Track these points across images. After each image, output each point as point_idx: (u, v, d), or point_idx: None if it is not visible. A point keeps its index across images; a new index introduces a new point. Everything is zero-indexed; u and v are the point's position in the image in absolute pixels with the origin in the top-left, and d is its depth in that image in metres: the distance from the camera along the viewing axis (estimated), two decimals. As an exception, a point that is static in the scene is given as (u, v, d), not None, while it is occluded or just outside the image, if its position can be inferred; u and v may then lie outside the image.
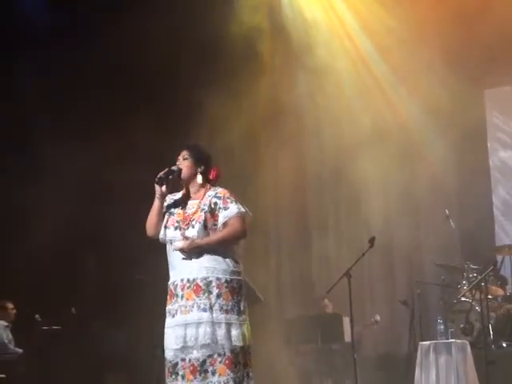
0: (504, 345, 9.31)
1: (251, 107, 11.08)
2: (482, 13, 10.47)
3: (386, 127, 11.13)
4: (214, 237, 5.30)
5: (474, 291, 9.34)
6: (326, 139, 11.50)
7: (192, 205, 5.42)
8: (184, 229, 5.33)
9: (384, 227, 11.41)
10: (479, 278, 9.16)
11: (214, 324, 5.19)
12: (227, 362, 5.18)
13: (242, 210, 5.42)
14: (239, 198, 5.54)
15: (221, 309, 5.23)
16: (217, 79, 10.97)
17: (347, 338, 9.28)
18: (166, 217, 5.44)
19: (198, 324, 5.20)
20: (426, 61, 10.94)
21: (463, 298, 9.57)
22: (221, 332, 5.19)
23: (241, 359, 5.24)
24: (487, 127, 11.76)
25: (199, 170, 5.46)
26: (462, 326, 9.41)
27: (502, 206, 11.57)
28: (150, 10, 10.85)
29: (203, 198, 5.41)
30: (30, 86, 10.56)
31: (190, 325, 5.23)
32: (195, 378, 5.18)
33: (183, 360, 5.23)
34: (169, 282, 5.41)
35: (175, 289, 5.33)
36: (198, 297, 5.24)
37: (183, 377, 5.22)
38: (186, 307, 5.27)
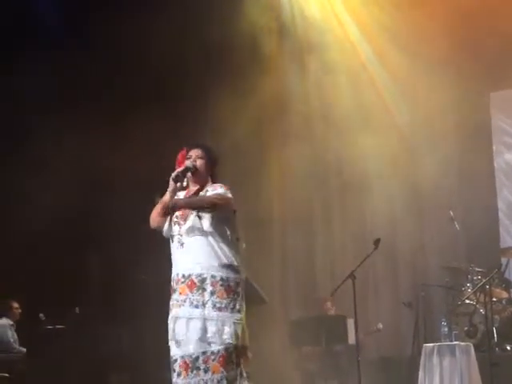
0: (508, 347, 9.31)
1: (256, 106, 11.10)
2: (487, 15, 10.47)
3: (391, 129, 11.13)
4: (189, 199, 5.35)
5: (478, 294, 9.32)
6: (330, 140, 11.48)
7: None
8: (181, 224, 5.34)
9: (388, 229, 11.40)
10: (483, 280, 9.16)
11: (205, 320, 5.18)
12: (221, 359, 5.17)
13: (228, 195, 5.37)
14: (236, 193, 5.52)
15: (214, 306, 5.21)
16: (222, 78, 11.00)
17: (351, 340, 9.27)
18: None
19: (189, 319, 5.21)
20: (431, 63, 10.93)
21: (467, 301, 9.55)
22: (212, 329, 5.18)
23: (234, 358, 5.22)
24: (492, 130, 11.73)
25: (211, 171, 5.48)
26: (466, 328, 9.39)
27: (506, 208, 11.55)
28: (157, 10, 10.87)
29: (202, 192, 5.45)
30: (31, 84, 10.52)
31: (180, 319, 5.24)
32: (187, 375, 5.18)
33: (182, 357, 5.22)
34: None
35: (174, 284, 5.34)
36: (192, 292, 5.24)
37: (179, 374, 5.23)
38: (177, 301, 5.28)
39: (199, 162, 5.47)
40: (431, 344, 8.51)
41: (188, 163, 5.43)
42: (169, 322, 5.35)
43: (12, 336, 10.28)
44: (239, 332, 5.24)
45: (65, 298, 10.53)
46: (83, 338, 10.13)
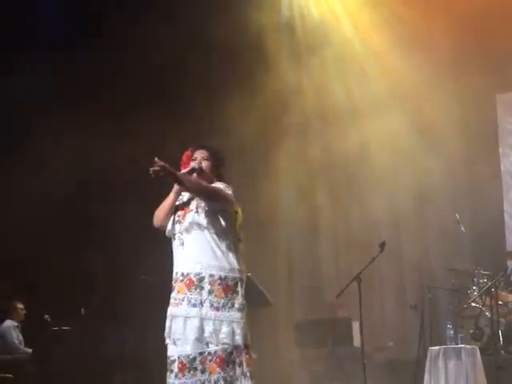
0: (514, 350, 9.29)
1: (260, 105, 11.10)
2: (494, 17, 10.46)
3: (395, 130, 11.11)
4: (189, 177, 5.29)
5: (484, 297, 9.30)
6: (334, 141, 11.48)
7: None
8: (182, 222, 5.33)
9: (394, 231, 11.39)
10: (489, 283, 9.14)
11: (202, 320, 5.17)
12: (218, 360, 5.15)
13: (228, 191, 5.35)
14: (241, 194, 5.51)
15: (211, 305, 5.19)
16: (225, 78, 11.01)
17: (356, 342, 9.26)
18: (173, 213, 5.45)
19: (186, 318, 5.19)
20: (437, 65, 10.91)
21: (473, 304, 9.52)
22: (208, 328, 5.16)
23: (235, 358, 5.18)
24: (499, 132, 11.71)
25: (216, 172, 5.47)
26: (471, 331, 9.36)
27: (513, 211, 11.53)
28: (159, 10, 10.90)
29: None
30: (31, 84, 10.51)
31: (177, 317, 5.23)
32: (183, 376, 5.16)
33: (179, 358, 5.21)
34: None
35: (174, 282, 5.34)
36: (190, 291, 5.23)
37: (176, 374, 5.21)
38: (175, 299, 5.27)
39: (205, 164, 5.47)
40: (437, 347, 8.50)
41: (193, 164, 5.42)
42: (166, 319, 5.33)
43: (17, 337, 10.29)
44: (238, 331, 5.20)
45: (70, 299, 10.53)
46: (88, 339, 10.12)
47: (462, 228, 10.33)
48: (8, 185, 10.57)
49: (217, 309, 5.19)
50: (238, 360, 5.19)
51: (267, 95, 11.15)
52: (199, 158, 5.48)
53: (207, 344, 5.16)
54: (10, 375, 9.53)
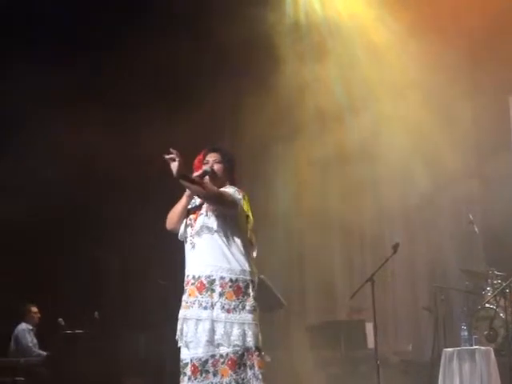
0: (528, 352, 9.25)
1: (272, 102, 11.13)
2: (506, 18, 10.43)
3: (408, 130, 11.09)
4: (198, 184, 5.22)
5: (498, 298, 9.27)
6: (347, 136, 11.47)
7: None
8: (193, 225, 5.34)
9: (407, 233, 11.37)
10: (504, 284, 9.11)
11: (213, 322, 5.15)
12: (229, 363, 5.12)
13: (237, 196, 5.32)
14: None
15: (222, 308, 5.16)
16: (235, 76, 11.02)
17: (370, 344, 9.24)
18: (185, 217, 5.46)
19: (197, 321, 5.17)
20: (450, 67, 10.88)
21: (487, 305, 9.49)
22: (220, 331, 5.13)
23: (246, 360, 5.15)
24: (511, 133, 11.67)
25: (229, 174, 5.47)
26: (486, 332, 9.33)
27: (526, 211, 11.47)
28: (176, 10, 10.94)
29: None
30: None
31: (188, 320, 5.22)
32: (195, 379, 5.14)
33: (191, 361, 5.20)
34: None
35: (185, 285, 5.32)
36: (201, 294, 5.21)
37: (189, 378, 5.19)
38: (186, 302, 5.26)
39: (217, 167, 5.45)
40: (451, 348, 8.47)
41: (206, 168, 5.42)
42: (178, 322, 5.32)
43: (31, 341, 10.32)
44: (249, 333, 5.17)
45: (84, 303, 10.56)
46: (101, 342, 10.13)
47: (476, 229, 10.30)
48: (19, 185, 10.55)
49: (228, 311, 5.17)
50: (249, 362, 5.16)
51: (279, 92, 11.17)
52: (211, 161, 5.47)
53: (218, 346, 5.15)
54: (22, 378, 9.55)
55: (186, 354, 5.23)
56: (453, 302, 10.79)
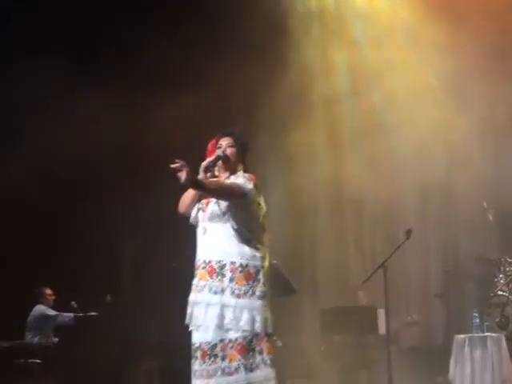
0: (540, 338, 9.24)
1: (285, 92, 11.12)
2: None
3: (423, 120, 11.06)
4: (210, 183, 5.27)
5: (510, 285, 9.27)
6: (362, 118, 11.46)
7: None
8: (205, 211, 5.36)
9: (420, 219, 11.36)
10: (516, 271, 9.11)
11: (223, 307, 5.16)
12: (239, 347, 5.13)
13: (248, 187, 5.31)
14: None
15: (232, 293, 5.18)
16: (248, 59, 11.03)
17: (382, 330, 9.26)
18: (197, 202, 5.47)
19: (207, 305, 5.19)
20: (468, 61, 10.82)
21: (499, 292, 9.50)
22: (229, 315, 5.14)
23: (255, 346, 5.16)
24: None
25: (242, 158, 5.48)
26: (497, 319, 9.33)
27: (540, 198, 11.43)
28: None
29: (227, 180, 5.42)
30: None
31: (198, 304, 5.24)
32: (204, 363, 5.16)
33: (200, 344, 5.21)
34: None
35: (196, 269, 5.34)
36: (212, 278, 5.22)
37: (199, 361, 5.20)
38: (197, 286, 5.28)
39: (230, 151, 5.46)
40: (462, 335, 8.47)
41: (219, 152, 5.43)
42: (188, 306, 5.34)
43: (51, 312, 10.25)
44: (259, 319, 5.17)
45: (97, 286, 10.60)
46: (114, 326, 10.17)
47: (490, 216, 10.28)
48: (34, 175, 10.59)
49: (238, 296, 5.18)
50: (258, 348, 5.17)
51: (295, 73, 11.16)
52: (224, 146, 5.48)
53: (227, 331, 5.17)
54: (39, 360, 9.60)
55: (196, 338, 5.26)
56: (465, 289, 10.79)
